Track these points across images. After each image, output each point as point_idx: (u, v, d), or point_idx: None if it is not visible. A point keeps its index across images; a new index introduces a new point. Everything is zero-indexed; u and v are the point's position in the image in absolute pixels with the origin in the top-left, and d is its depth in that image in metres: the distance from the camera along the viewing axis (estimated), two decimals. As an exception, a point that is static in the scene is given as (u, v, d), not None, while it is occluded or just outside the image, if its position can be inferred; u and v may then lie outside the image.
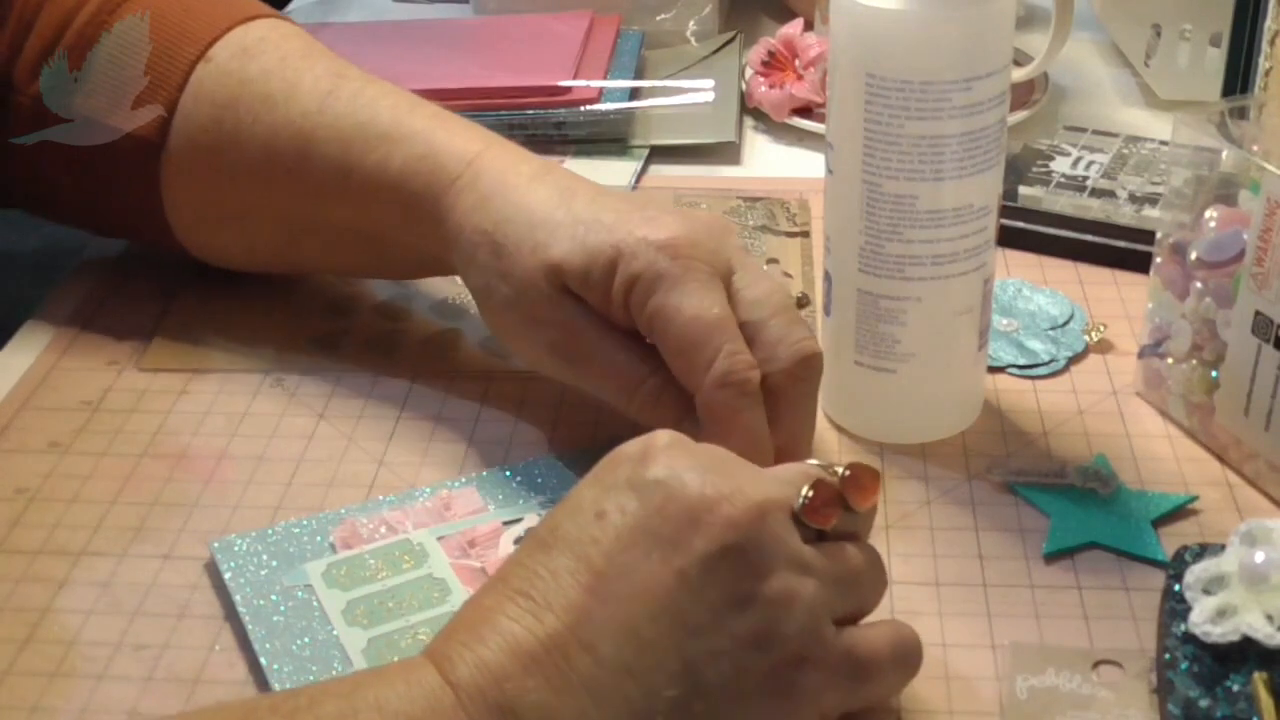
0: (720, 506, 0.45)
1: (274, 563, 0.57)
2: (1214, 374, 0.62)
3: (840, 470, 0.49)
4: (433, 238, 0.64)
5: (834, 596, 0.47)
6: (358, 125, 0.65)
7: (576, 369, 0.61)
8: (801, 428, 0.58)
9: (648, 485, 0.46)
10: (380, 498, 0.60)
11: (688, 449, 0.47)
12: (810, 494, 0.48)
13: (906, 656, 0.49)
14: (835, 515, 0.48)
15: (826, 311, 0.64)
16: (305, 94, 0.67)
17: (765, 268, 0.76)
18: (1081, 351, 0.69)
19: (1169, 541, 0.57)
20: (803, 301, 0.60)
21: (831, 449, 0.64)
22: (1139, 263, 0.73)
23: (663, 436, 0.48)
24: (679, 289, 0.56)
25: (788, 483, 0.48)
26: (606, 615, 0.44)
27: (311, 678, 0.52)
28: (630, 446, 0.48)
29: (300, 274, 0.76)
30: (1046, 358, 0.69)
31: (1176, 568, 0.53)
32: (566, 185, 0.61)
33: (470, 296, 0.64)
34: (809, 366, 0.57)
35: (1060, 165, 0.83)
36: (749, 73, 0.95)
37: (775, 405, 0.57)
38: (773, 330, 0.57)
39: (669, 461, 0.47)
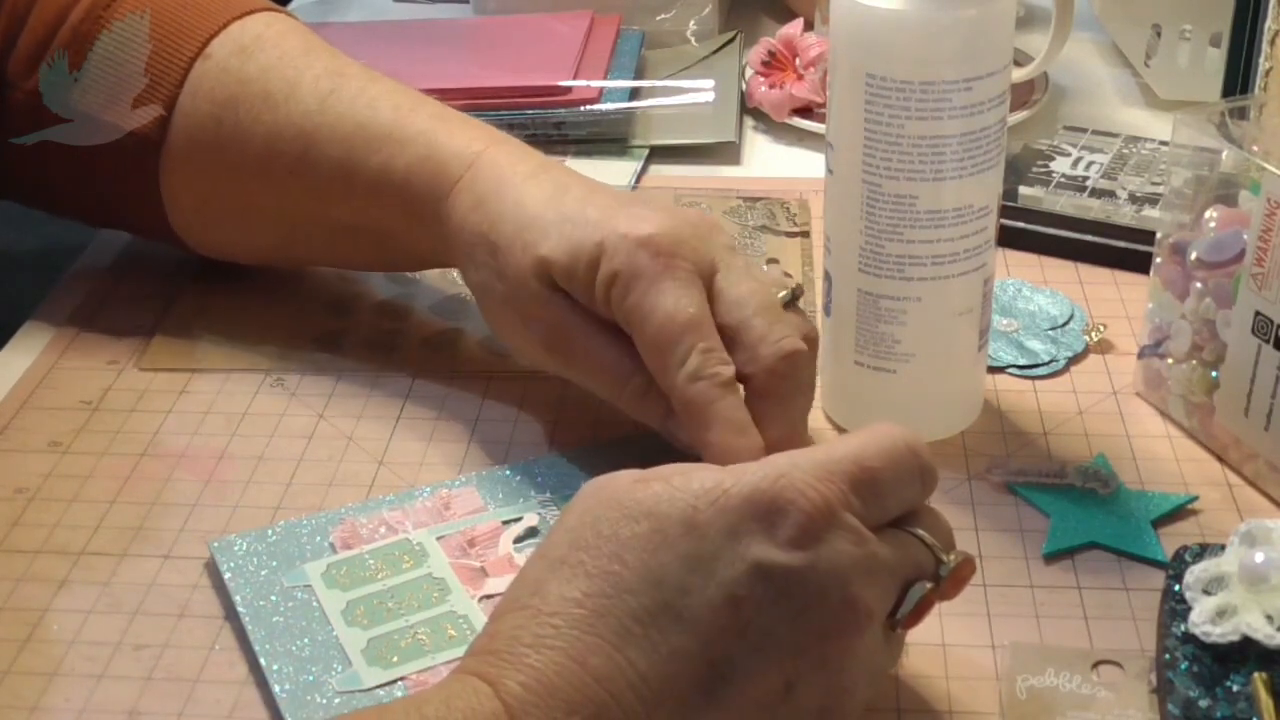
0: (859, 609, 0.45)
1: (274, 563, 0.57)
2: (1214, 374, 0.62)
3: (948, 560, 0.48)
4: (435, 236, 0.64)
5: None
6: (359, 126, 0.65)
7: (568, 364, 0.61)
8: (793, 425, 0.58)
9: (791, 577, 0.44)
10: (380, 497, 0.60)
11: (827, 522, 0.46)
12: (908, 611, 0.48)
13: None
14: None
15: (826, 311, 0.64)
16: (306, 93, 0.67)
17: (765, 268, 0.76)
18: (1081, 351, 0.69)
19: (1169, 541, 0.57)
20: (797, 293, 0.59)
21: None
22: (1139, 263, 0.73)
23: (797, 499, 0.46)
24: (655, 288, 0.56)
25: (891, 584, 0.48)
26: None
27: (311, 678, 0.52)
28: (758, 508, 0.45)
29: (300, 267, 0.76)
30: (1046, 358, 0.69)
31: (1176, 568, 0.53)
32: (561, 182, 0.61)
33: (471, 295, 0.65)
34: (791, 364, 0.57)
35: (1060, 165, 0.83)
36: (749, 73, 0.95)
37: (763, 405, 0.57)
38: (754, 330, 0.57)
39: (826, 543, 0.45)
